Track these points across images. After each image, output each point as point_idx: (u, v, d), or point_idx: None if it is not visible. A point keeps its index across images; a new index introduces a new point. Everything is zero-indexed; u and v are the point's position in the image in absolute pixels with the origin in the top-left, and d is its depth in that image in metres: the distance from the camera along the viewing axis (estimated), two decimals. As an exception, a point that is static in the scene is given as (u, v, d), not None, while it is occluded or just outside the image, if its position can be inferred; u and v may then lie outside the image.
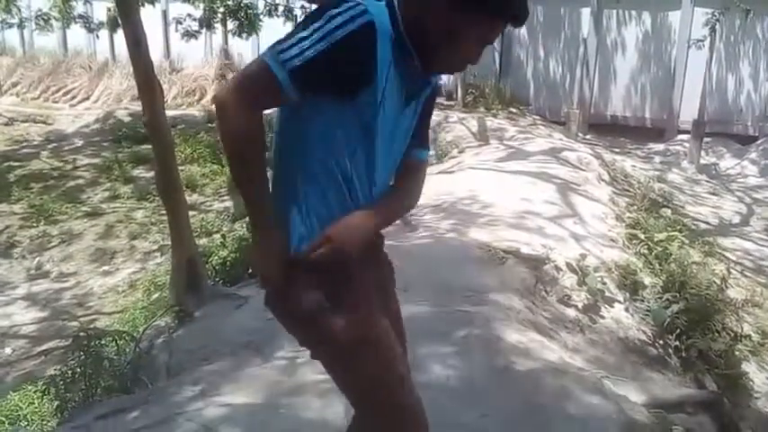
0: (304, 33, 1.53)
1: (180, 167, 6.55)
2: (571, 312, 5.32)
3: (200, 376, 3.77)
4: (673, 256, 6.28)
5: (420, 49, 1.66)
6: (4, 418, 4.89)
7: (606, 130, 13.62)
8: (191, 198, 9.52)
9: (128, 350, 4.48)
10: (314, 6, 1.72)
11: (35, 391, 5.03)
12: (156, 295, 6.99)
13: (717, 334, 5.53)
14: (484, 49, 1.70)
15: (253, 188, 1.73)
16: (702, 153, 11.97)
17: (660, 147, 12.95)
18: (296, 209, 1.73)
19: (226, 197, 10.57)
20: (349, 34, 1.51)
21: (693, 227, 8.14)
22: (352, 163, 1.70)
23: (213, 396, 3.44)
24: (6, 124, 12.61)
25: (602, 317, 5.42)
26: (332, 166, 1.72)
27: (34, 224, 9.40)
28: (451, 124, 11.56)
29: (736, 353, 5.38)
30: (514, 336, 4.37)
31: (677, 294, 5.62)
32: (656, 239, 6.63)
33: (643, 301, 5.70)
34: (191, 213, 6.10)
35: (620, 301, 5.63)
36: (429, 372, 3.74)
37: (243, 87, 1.59)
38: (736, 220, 9.32)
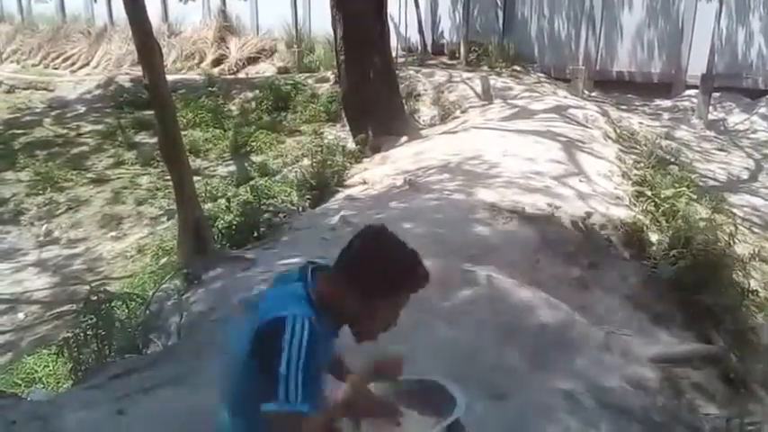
0: (283, 371, 1.75)
1: (182, 132, 6.54)
2: (576, 270, 5.33)
3: (208, 336, 3.82)
4: (680, 213, 6.24)
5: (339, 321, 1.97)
6: (20, 381, 4.98)
7: (612, 86, 13.43)
8: (194, 163, 9.51)
9: (138, 313, 4.54)
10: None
11: (49, 355, 5.11)
12: (165, 260, 7.05)
13: (724, 290, 5.53)
14: None
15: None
16: (711, 109, 11.81)
17: (668, 103, 12.79)
18: None
19: (230, 161, 10.56)
20: (308, 346, 1.77)
21: (701, 184, 8.09)
22: None
23: (222, 355, 3.48)
24: (8, 92, 12.58)
25: (608, 274, 5.42)
26: None
27: (41, 191, 9.44)
28: (455, 84, 11.45)
29: (744, 308, 5.38)
30: (519, 293, 4.40)
31: (684, 251, 5.60)
32: (663, 196, 6.59)
33: (649, 258, 5.69)
34: (195, 179, 6.12)
35: (626, 259, 5.63)
36: (435, 328, 3.77)
37: None
38: (745, 176, 9.25)
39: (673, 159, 8.36)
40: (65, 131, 11.46)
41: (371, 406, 2.02)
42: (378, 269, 1.91)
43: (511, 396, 3.33)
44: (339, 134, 10.57)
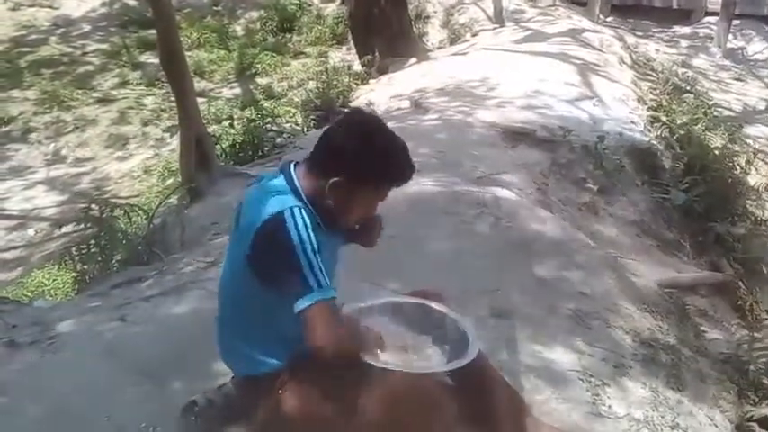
0: (304, 264, 1.71)
1: (187, 53, 6.40)
2: (586, 195, 5.26)
3: (211, 249, 3.80)
4: (695, 140, 6.11)
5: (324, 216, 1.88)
6: (29, 294, 5.04)
7: (629, 11, 13.00)
8: (199, 85, 9.36)
9: (142, 226, 4.52)
10: None
11: (56, 267, 5.15)
12: (171, 180, 7.03)
13: (737, 218, 5.46)
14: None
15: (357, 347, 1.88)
16: (730, 36, 11.46)
17: (686, 30, 12.40)
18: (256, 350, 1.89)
19: (234, 83, 10.38)
20: (313, 230, 1.75)
21: (716, 114, 7.90)
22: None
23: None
24: (13, 9, 12.25)
25: (619, 199, 5.35)
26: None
27: (48, 110, 9.35)
28: (466, 5, 11.09)
29: (755, 238, 5.32)
30: (527, 215, 4.32)
31: (698, 178, 5.51)
32: (678, 123, 6.44)
33: (662, 184, 5.61)
34: (200, 101, 6.01)
35: (637, 184, 5.55)
36: (439, 245, 3.73)
37: (333, 334, 1.72)
38: (761, 106, 9.03)
39: (688, 88, 8.15)
40: (70, 50, 11.25)
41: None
42: (359, 152, 1.81)
43: (514, 314, 3.30)
44: (345, 56, 10.36)
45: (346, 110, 7.49)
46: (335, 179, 1.80)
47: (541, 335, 3.15)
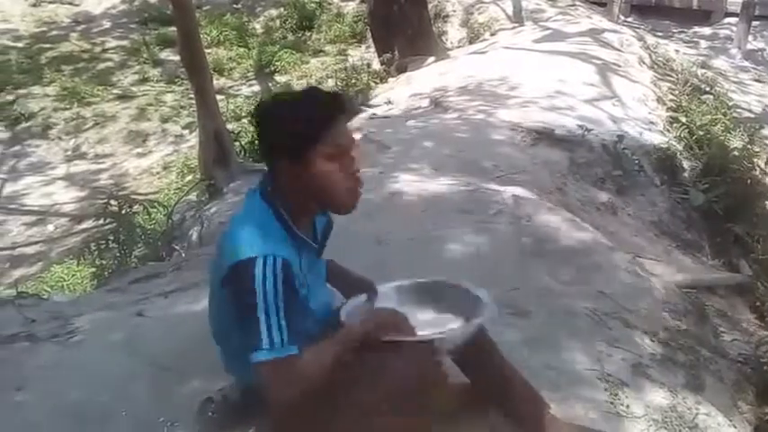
0: (263, 317, 1.63)
1: (206, 51, 6.43)
2: (605, 195, 5.22)
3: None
4: (715, 141, 6.06)
5: (318, 205, 1.80)
6: (48, 289, 5.09)
7: (650, 12, 12.92)
8: (218, 82, 9.41)
9: (161, 223, 4.56)
10: None
11: (75, 262, 5.20)
12: (190, 177, 7.08)
13: (756, 219, 5.41)
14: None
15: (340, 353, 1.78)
16: (750, 38, 11.36)
17: (706, 30, 12.30)
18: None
19: (253, 81, 10.43)
20: (283, 284, 1.65)
21: (736, 115, 7.82)
22: None
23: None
24: (34, 5, 12.39)
25: (638, 200, 5.31)
26: None
27: (68, 106, 9.43)
28: (485, 4, 11.05)
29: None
30: (545, 215, 4.31)
31: (717, 178, 5.46)
32: (698, 123, 6.39)
33: (681, 185, 5.56)
34: (219, 98, 6.04)
35: (656, 185, 5.50)
36: (457, 244, 3.72)
37: (285, 391, 1.67)
38: (781, 109, 8.94)
39: (708, 89, 8.07)
40: (90, 47, 11.35)
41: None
42: (286, 125, 1.70)
43: (534, 313, 3.29)
44: (364, 55, 10.37)
45: (364, 106, 7.53)
46: (286, 168, 1.72)
47: (560, 334, 3.14)
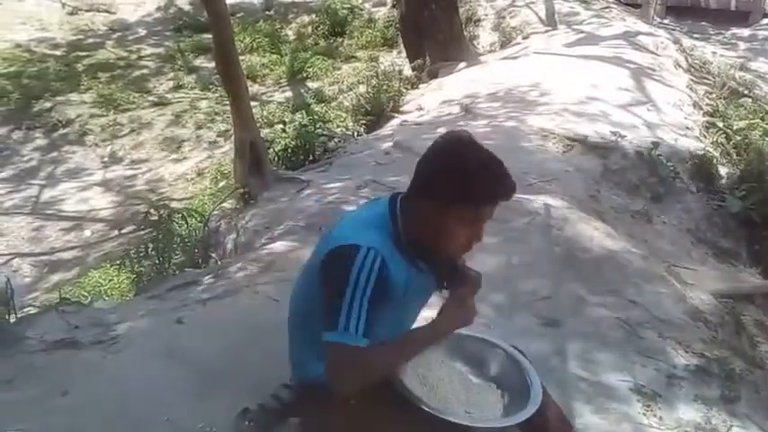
0: (347, 302, 1.69)
1: (240, 57, 6.51)
2: (639, 202, 5.18)
3: (264, 254, 3.89)
4: (753, 146, 5.96)
5: (431, 250, 1.83)
6: (86, 294, 5.19)
7: (686, 13, 12.68)
8: (252, 89, 9.47)
9: (197, 230, 4.64)
10: None
11: (113, 269, 5.30)
12: (223, 183, 7.17)
13: (796, 226, 5.30)
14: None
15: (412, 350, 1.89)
16: (791, 39, 11.10)
17: (745, 32, 12.03)
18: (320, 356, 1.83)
19: (286, 87, 10.52)
20: (377, 280, 1.70)
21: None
22: None
23: (276, 272, 3.55)
24: (71, 13, 12.65)
25: (673, 207, 5.26)
26: None
27: (104, 113, 9.60)
28: (517, 8, 10.98)
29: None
30: (577, 223, 4.29)
31: (755, 185, 5.37)
32: (735, 128, 6.28)
33: (717, 191, 5.49)
34: (252, 104, 6.11)
35: (692, 192, 5.44)
36: (490, 257, 3.72)
37: (345, 378, 1.74)
38: (824, 112, 8.71)
39: (746, 92, 7.92)
40: (126, 54, 11.55)
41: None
42: (456, 176, 1.71)
43: (565, 323, 3.29)
44: (395, 60, 10.37)
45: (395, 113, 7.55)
46: (428, 204, 1.75)
47: (592, 344, 3.14)
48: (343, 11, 11.99)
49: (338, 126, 7.70)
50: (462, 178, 1.71)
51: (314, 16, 12.20)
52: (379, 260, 1.71)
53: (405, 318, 1.99)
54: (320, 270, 1.80)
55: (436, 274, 1.94)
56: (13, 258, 6.58)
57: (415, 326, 2.04)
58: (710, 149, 6.01)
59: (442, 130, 6.04)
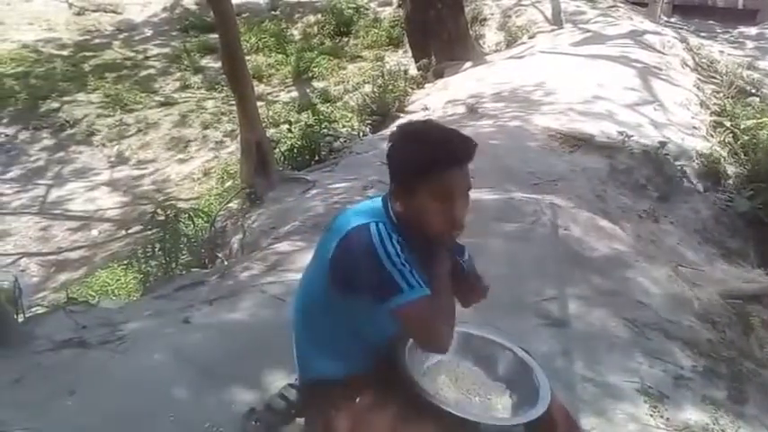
0: (390, 266, 1.69)
1: (246, 57, 6.51)
2: (646, 202, 5.16)
3: (270, 254, 3.89)
4: (761, 146, 5.93)
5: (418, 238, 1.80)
6: (94, 293, 5.21)
7: (693, 12, 12.65)
8: (257, 89, 9.48)
9: (204, 230, 4.65)
10: None
11: (120, 268, 5.32)
12: (229, 183, 7.19)
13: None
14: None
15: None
16: (798, 38, 11.06)
17: (752, 31, 11.99)
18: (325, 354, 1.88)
19: (292, 87, 10.53)
20: (399, 244, 1.71)
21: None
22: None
23: (282, 272, 3.56)
24: (78, 14, 12.69)
25: (680, 206, 5.24)
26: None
27: (111, 113, 9.64)
28: (523, 7, 10.97)
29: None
30: (583, 223, 4.28)
31: (762, 185, 5.35)
32: (743, 127, 6.26)
33: (725, 191, 5.47)
34: (258, 104, 6.12)
35: (699, 191, 5.42)
36: (496, 257, 3.72)
37: (438, 328, 1.75)
38: (832, 110, 8.67)
39: (754, 91, 7.89)
40: (133, 54, 11.59)
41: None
42: (406, 153, 1.75)
43: (570, 324, 3.28)
44: (401, 60, 10.37)
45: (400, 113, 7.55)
46: (401, 189, 1.76)
47: (598, 345, 3.13)
48: (349, 10, 12.00)
49: (344, 126, 7.71)
50: (418, 148, 1.73)
51: (319, 16, 12.21)
52: (389, 227, 1.73)
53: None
54: (338, 261, 1.76)
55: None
56: (20, 258, 6.60)
57: None
58: (718, 149, 6.00)
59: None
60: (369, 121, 7.63)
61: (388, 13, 12.08)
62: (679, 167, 5.35)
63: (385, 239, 1.70)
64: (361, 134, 7.34)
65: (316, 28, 12.04)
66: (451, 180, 1.74)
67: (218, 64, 9.67)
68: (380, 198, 1.87)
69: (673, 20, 12.10)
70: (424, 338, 1.74)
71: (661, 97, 6.77)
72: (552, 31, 9.81)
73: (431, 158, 1.71)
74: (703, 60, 8.73)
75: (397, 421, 1.78)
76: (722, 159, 5.79)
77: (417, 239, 1.81)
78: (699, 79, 7.92)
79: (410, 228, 1.79)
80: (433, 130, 1.78)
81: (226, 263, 4.21)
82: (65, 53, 11.38)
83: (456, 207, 1.75)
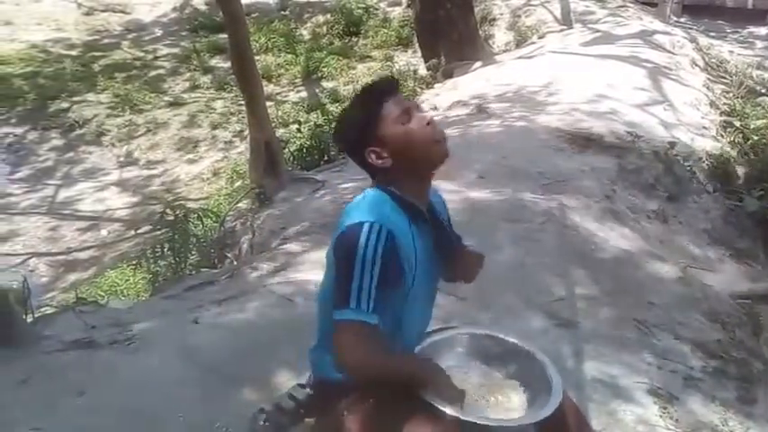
0: (357, 278, 1.69)
1: (255, 57, 6.52)
2: (655, 202, 5.14)
3: (279, 254, 3.90)
4: (771, 145, 5.90)
5: (417, 173, 1.85)
6: (103, 293, 5.24)
7: (702, 11, 12.57)
8: (267, 88, 9.48)
9: (213, 230, 4.66)
10: None
11: (129, 268, 5.34)
12: (239, 183, 7.20)
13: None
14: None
15: (397, 372, 1.83)
16: (809, 37, 10.99)
17: (762, 30, 11.92)
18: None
19: (301, 87, 10.54)
20: (384, 253, 1.70)
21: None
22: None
23: (291, 272, 3.56)
24: (87, 14, 12.74)
25: (690, 207, 5.21)
26: None
27: (120, 113, 9.67)
28: (533, 7, 10.95)
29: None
30: (592, 223, 4.28)
31: (773, 185, 5.32)
32: (752, 127, 6.22)
33: (735, 191, 5.44)
34: (267, 104, 6.12)
35: (709, 192, 5.39)
36: (504, 258, 3.72)
37: (355, 354, 1.72)
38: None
39: (764, 91, 7.85)
40: (142, 54, 11.63)
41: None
42: (350, 123, 1.85)
43: (579, 324, 3.28)
44: (410, 60, 10.37)
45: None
46: (371, 151, 1.80)
47: (608, 346, 3.12)
48: (359, 10, 11.99)
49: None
50: (352, 112, 1.86)
51: (329, 16, 12.21)
52: (385, 232, 1.71)
53: (414, 307, 1.94)
54: (331, 258, 1.81)
55: (437, 232, 1.93)
56: (29, 258, 6.63)
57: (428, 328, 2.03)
58: (727, 149, 5.97)
59: (455, 131, 6.07)
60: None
61: (397, 12, 12.08)
62: (688, 167, 5.32)
63: (370, 243, 1.70)
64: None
65: (325, 28, 12.04)
66: (398, 102, 1.82)
67: (228, 64, 9.69)
68: (368, 189, 1.89)
69: (682, 20, 12.03)
70: (339, 360, 1.74)
71: (671, 97, 6.74)
72: (561, 30, 9.78)
73: (366, 105, 1.81)
74: (713, 60, 8.69)
75: (408, 423, 1.78)
76: (732, 159, 5.76)
77: (418, 193, 1.85)
78: (708, 79, 7.88)
79: (406, 174, 1.82)
80: (352, 99, 1.91)
81: (235, 263, 4.22)
82: (74, 53, 11.42)
83: (419, 115, 1.82)
